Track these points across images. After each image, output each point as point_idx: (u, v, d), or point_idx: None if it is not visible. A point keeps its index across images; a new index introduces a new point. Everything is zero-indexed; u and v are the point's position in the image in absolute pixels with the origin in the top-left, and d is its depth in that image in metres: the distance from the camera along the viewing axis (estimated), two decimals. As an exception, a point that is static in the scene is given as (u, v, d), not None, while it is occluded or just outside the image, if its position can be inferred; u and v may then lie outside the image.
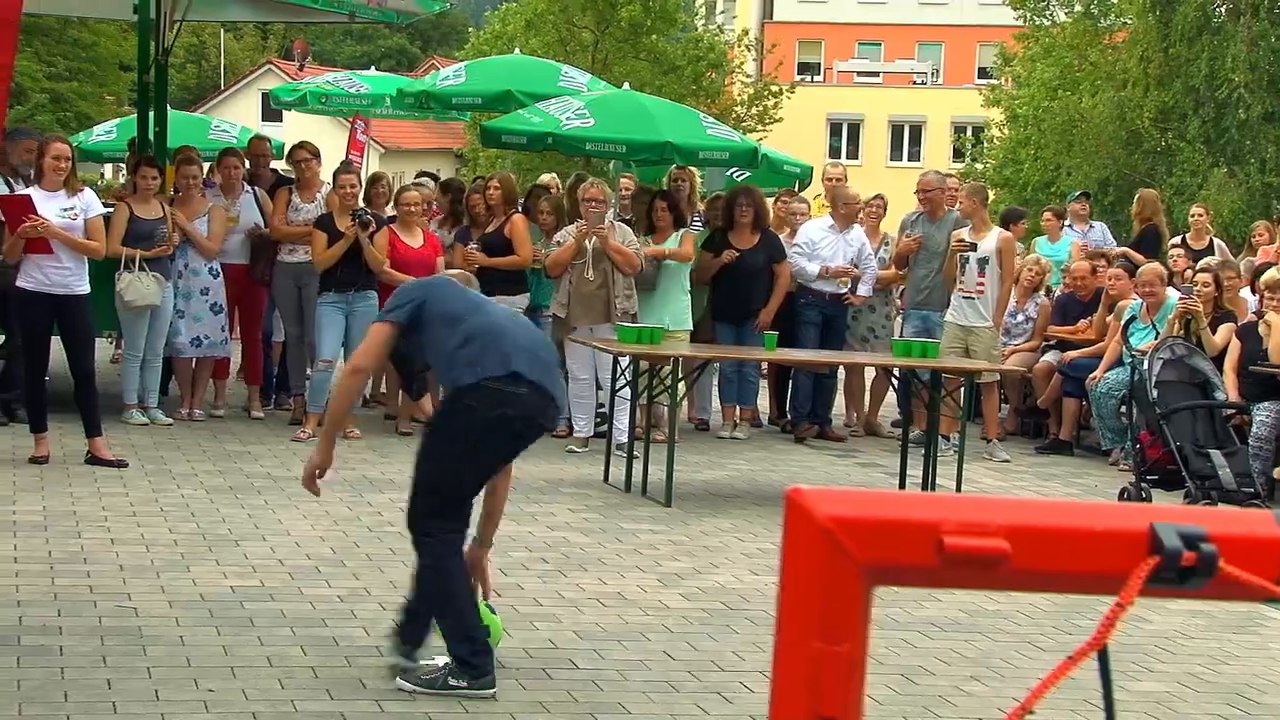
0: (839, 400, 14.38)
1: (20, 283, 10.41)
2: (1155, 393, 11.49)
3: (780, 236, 13.72)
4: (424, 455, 6.27)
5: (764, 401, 14.46)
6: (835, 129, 57.87)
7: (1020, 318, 14.23)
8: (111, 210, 11.83)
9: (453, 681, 6.11)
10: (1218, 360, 12.14)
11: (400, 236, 12.38)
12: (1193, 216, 16.60)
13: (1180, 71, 31.94)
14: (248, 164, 13.57)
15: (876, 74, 60.16)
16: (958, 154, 50.44)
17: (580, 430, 12.41)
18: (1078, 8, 38.99)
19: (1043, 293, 14.42)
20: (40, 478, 9.99)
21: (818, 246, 13.47)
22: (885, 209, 14.58)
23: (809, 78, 58.49)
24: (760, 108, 43.37)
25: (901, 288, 14.10)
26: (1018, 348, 14.06)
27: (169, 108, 15.93)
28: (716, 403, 13.90)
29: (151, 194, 12.21)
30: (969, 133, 50.17)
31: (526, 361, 6.15)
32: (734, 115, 40.96)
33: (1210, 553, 1.44)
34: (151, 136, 14.76)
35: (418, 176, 16.29)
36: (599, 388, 12.42)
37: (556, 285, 12.34)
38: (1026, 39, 41.72)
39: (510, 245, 12.62)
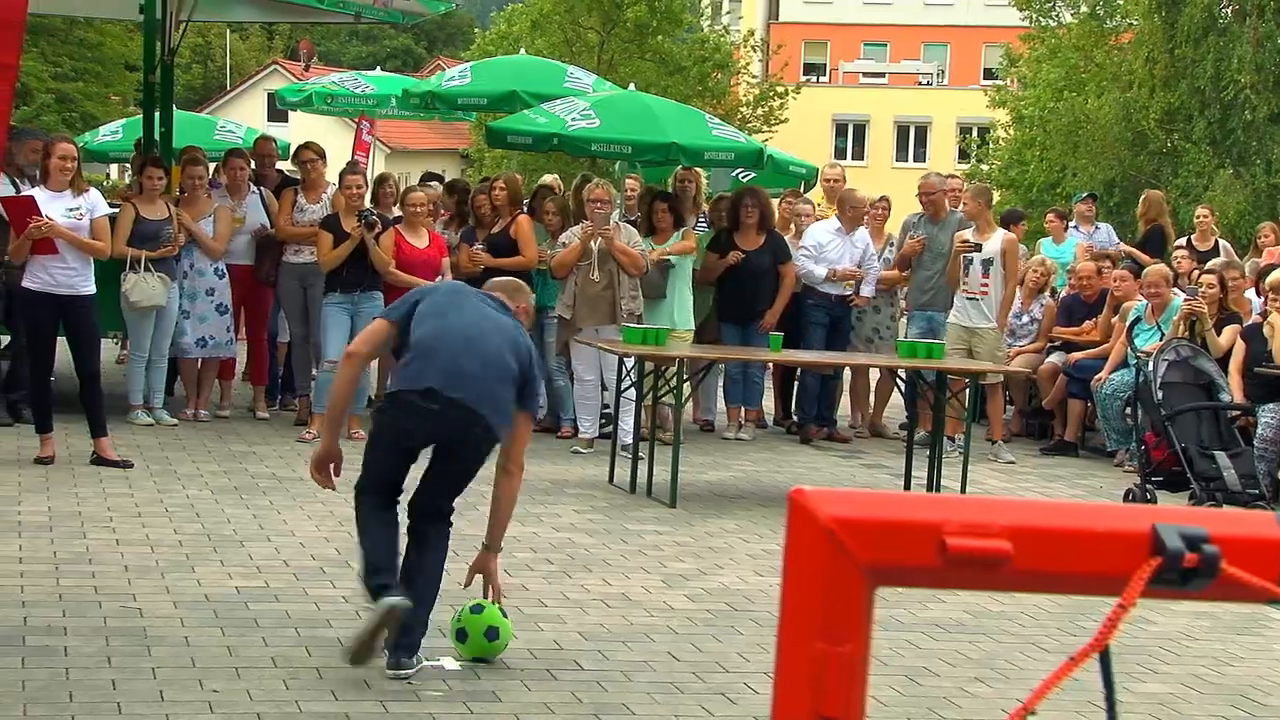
0: (844, 401, 14.38)
1: (26, 283, 10.43)
2: (1160, 394, 11.49)
3: (785, 237, 13.72)
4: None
5: (769, 402, 14.45)
6: (841, 130, 57.87)
7: (1025, 319, 14.22)
8: (117, 211, 11.83)
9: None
10: (1223, 362, 12.13)
11: (406, 237, 12.39)
12: (1198, 218, 16.58)
13: (1186, 73, 31.89)
14: (253, 164, 13.58)
15: (882, 75, 60.15)
16: (963, 155, 50.39)
17: (585, 431, 12.42)
18: (1083, 9, 38.93)
19: (1048, 294, 14.41)
20: (45, 478, 10.00)
21: (824, 249, 13.47)
22: (889, 211, 14.58)
23: (814, 78, 58.46)
24: (766, 108, 43.35)
25: (905, 289, 14.09)
26: (1023, 349, 14.06)
27: (175, 108, 15.94)
28: (721, 404, 13.90)
29: (157, 194, 12.22)
30: (974, 134, 50.15)
31: (446, 379, 6.35)
32: (739, 116, 40.93)
33: (1212, 554, 1.44)
34: (157, 137, 14.77)
35: (423, 177, 16.30)
36: (604, 389, 12.43)
37: (562, 286, 12.35)
38: (1032, 40, 41.67)
39: (515, 246, 12.63)
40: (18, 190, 11.15)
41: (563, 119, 13.72)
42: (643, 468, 10.78)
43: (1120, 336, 12.98)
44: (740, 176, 16.19)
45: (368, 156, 21.51)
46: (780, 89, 43.84)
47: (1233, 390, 11.93)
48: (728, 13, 56.67)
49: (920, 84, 60.15)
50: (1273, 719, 6.73)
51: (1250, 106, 30.69)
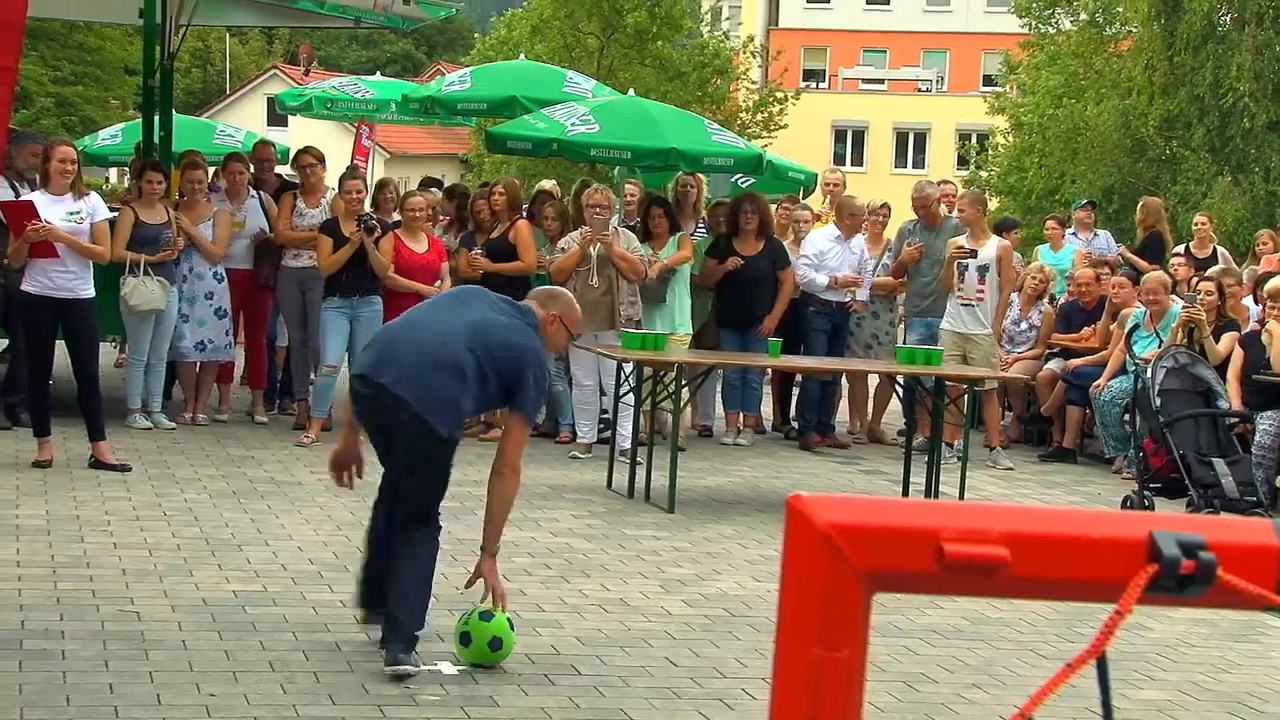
0: (843, 407, 14.39)
1: (25, 287, 10.43)
2: (1158, 401, 11.49)
3: (784, 244, 13.73)
4: None
5: (767, 408, 14.46)
6: (840, 136, 57.91)
7: (1024, 325, 14.22)
8: (116, 215, 11.84)
9: None
10: (1221, 369, 12.14)
11: (405, 242, 12.39)
12: (1196, 225, 16.59)
13: (1185, 80, 31.91)
14: (252, 169, 13.59)
15: (881, 81, 60.21)
16: (962, 161, 50.45)
17: (584, 436, 12.42)
18: (1083, 16, 38.99)
19: (1046, 301, 14.41)
20: (43, 482, 10.00)
21: (826, 257, 13.47)
22: (889, 217, 14.57)
23: (814, 84, 58.54)
24: (765, 114, 43.40)
25: (903, 296, 14.09)
26: (1021, 355, 14.06)
27: (174, 112, 15.94)
28: (720, 409, 13.90)
29: (156, 198, 12.22)
30: (974, 140, 50.20)
31: (377, 365, 6.54)
32: (739, 122, 40.98)
33: (1209, 561, 1.44)
34: (157, 141, 14.77)
35: (423, 182, 16.31)
36: (603, 394, 12.43)
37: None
38: (1031, 47, 41.71)
39: (515, 251, 12.64)
40: (17, 194, 11.15)
41: (562, 124, 13.73)
42: (641, 473, 10.78)
43: (1119, 343, 12.98)
44: (739, 182, 16.20)
45: (367, 161, 21.52)
46: (780, 95, 43.89)
47: (1231, 397, 11.93)
48: (727, 18, 56.69)
49: (919, 90, 60.20)
50: (1270, 726, 6.74)
51: (1249, 114, 30.71)
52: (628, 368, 11.09)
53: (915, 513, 1.45)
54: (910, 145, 58.42)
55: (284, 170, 15.27)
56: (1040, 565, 1.44)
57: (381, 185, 13.84)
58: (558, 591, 8.06)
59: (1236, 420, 11.88)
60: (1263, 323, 12.44)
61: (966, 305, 12.91)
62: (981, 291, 12.89)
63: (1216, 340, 12.38)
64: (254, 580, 7.85)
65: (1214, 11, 31.54)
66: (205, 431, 12.36)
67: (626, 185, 14.01)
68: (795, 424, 14.13)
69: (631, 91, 16.98)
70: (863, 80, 60.06)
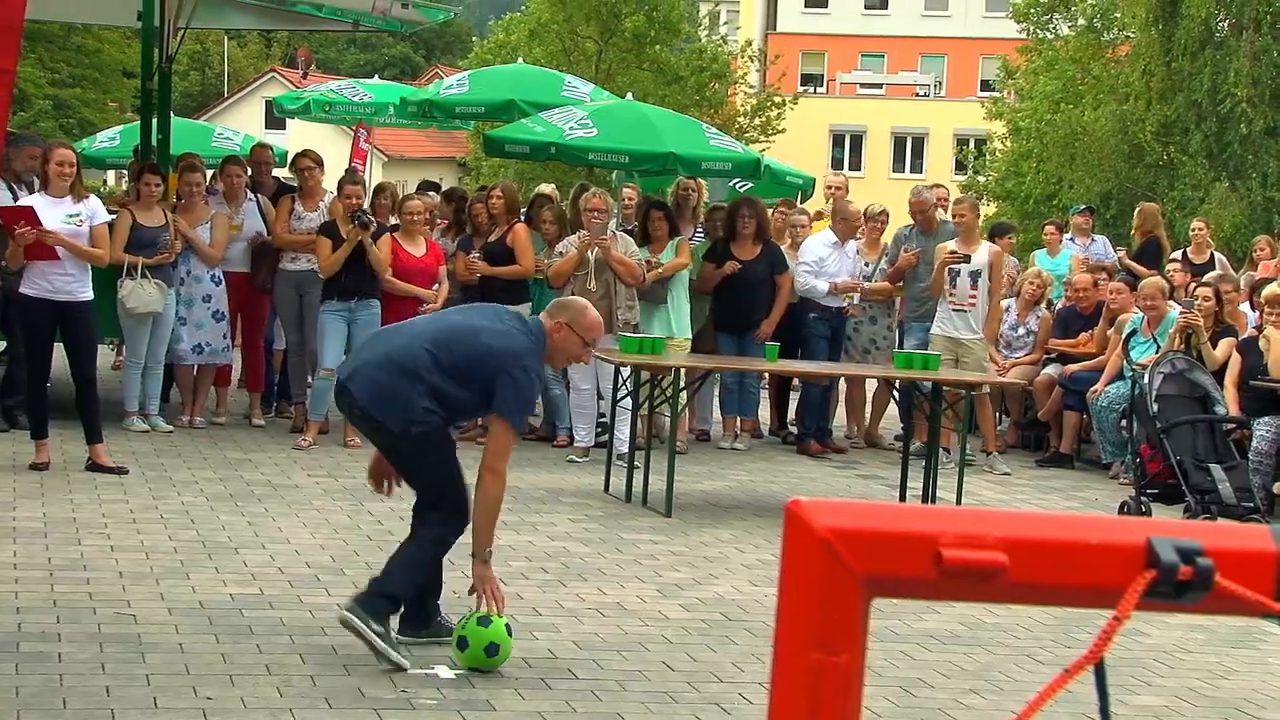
0: (840, 412, 14.39)
1: (23, 289, 10.42)
2: (1156, 407, 11.49)
3: (782, 248, 13.73)
4: None
5: (765, 412, 14.46)
6: (838, 140, 57.92)
7: (1021, 331, 14.23)
8: (115, 217, 11.83)
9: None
10: (1218, 375, 12.14)
11: (403, 245, 12.38)
12: (1193, 231, 16.61)
13: (1183, 86, 31.92)
14: (249, 172, 13.58)
15: (879, 86, 60.22)
16: (960, 166, 50.46)
17: (581, 440, 12.42)
18: (1081, 21, 39.01)
19: (1044, 306, 14.42)
20: (40, 484, 10.00)
21: (825, 263, 13.47)
22: (887, 223, 14.57)
23: (812, 89, 58.57)
24: (763, 118, 43.42)
25: (898, 300, 14.10)
26: (1019, 361, 14.06)
27: (172, 115, 15.94)
28: (717, 413, 13.91)
29: (154, 201, 12.22)
30: (971, 145, 50.21)
31: (345, 369, 7.03)
32: (737, 126, 40.99)
33: (1207, 567, 1.44)
34: (155, 143, 14.77)
35: (420, 186, 16.31)
36: (600, 398, 12.43)
37: (559, 296, 12.34)
38: (1029, 52, 41.74)
39: (512, 255, 12.63)
40: (15, 196, 11.15)
41: (560, 128, 13.73)
42: (638, 477, 10.78)
43: (1116, 349, 12.99)
44: (737, 186, 16.21)
45: (365, 164, 21.50)
46: (778, 99, 43.90)
47: (1228, 403, 11.93)
48: (725, 23, 56.71)
49: (917, 95, 60.23)
50: (1266, 732, 6.74)
51: (1246, 120, 30.72)
52: (625, 372, 11.09)
53: (914, 518, 1.45)
54: (908, 150, 58.45)
55: (281, 173, 15.27)
56: (1038, 571, 1.44)
57: (379, 189, 13.84)
58: (554, 595, 8.06)
59: (1234, 426, 11.88)
60: (1260, 328, 12.45)
61: (959, 311, 12.92)
62: (974, 297, 12.91)
63: (1214, 346, 12.39)
64: (251, 583, 7.85)
65: (1212, 17, 31.55)
66: (202, 434, 12.36)
67: (624, 189, 14.01)
68: (793, 429, 14.12)
69: (629, 95, 16.98)
70: (861, 85, 60.09)
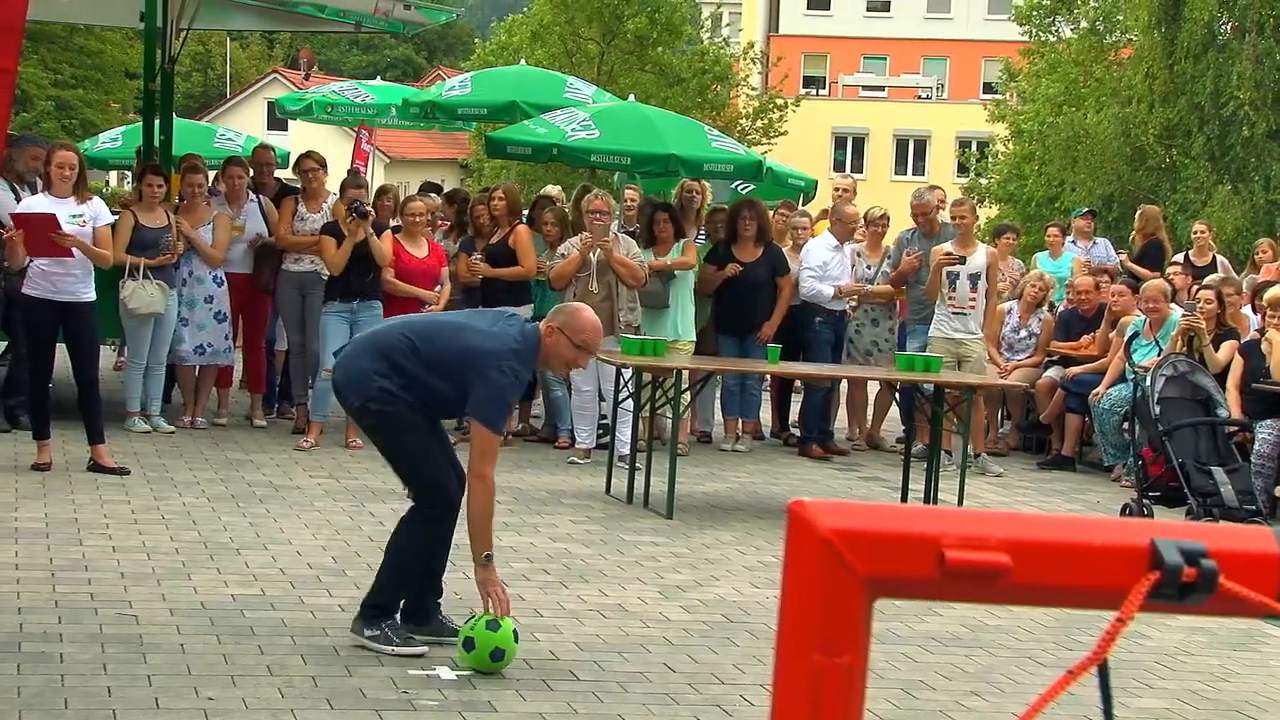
0: (841, 414, 14.39)
1: (26, 289, 10.43)
2: (1158, 409, 11.49)
3: (783, 250, 13.73)
4: None
5: (766, 414, 14.46)
6: (840, 142, 57.93)
7: (1023, 333, 14.23)
8: (117, 218, 11.83)
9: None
10: (1220, 377, 12.14)
11: (405, 246, 12.38)
12: (1195, 233, 16.61)
13: (1185, 88, 31.89)
14: (251, 173, 13.58)
15: (881, 88, 60.24)
16: (962, 169, 50.44)
17: (583, 442, 12.42)
18: (1083, 24, 38.98)
19: (1045, 308, 14.42)
20: (42, 485, 10.00)
21: (829, 267, 13.47)
22: (888, 226, 14.55)
23: (814, 91, 58.57)
24: (765, 121, 43.40)
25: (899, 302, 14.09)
26: (1021, 363, 14.06)
27: (174, 116, 15.94)
28: (719, 415, 13.91)
29: (156, 202, 12.22)
30: (973, 148, 50.20)
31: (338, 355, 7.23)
32: (739, 128, 40.97)
33: (1210, 568, 1.44)
34: (157, 144, 14.78)
35: (422, 187, 16.31)
36: (602, 399, 12.43)
37: (561, 298, 12.34)
38: (1032, 54, 41.71)
39: (514, 256, 12.63)
40: (18, 197, 11.16)
41: (562, 129, 13.73)
42: (640, 478, 10.78)
43: (1118, 351, 12.99)
44: (739, 188, 16.21)
45: (367, 166, 21.52)
46: (780, 101, 43.89)
47: (1230, 406, 11.93)
48: (728, 25, 56.71)
49: (920, 98, 60.23)
50: (1268, 735, 6.74)
51: (1249, 123, 30.69)
52: (627, 373, 11.09)
53: (916, 519, 1.45)
54: (910, 152, 58.45)
55: (283, 174, 15.27)
56: (1041, 572, 1.44)
57: (382, 191, 13.84)
58: (556, 597, 8.05)
59: (1236, 429, 11.88)
60: (1262, 331, 12.45)
61: (959, 313, 12.92)
62: (973, 299, 12.91)
63: (1216, 349, 12.38)
64: (252, 584, 7.84)
65: (1214, 20, 31.52)
66: (204, 435, 12.36)
67: (626, 191, 14.01)
68: (795, 432, 14.12)
69: (632, 97, 16.97)
70: (863, 87, 60.09)
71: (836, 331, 13.59)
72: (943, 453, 11.83)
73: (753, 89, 46.98)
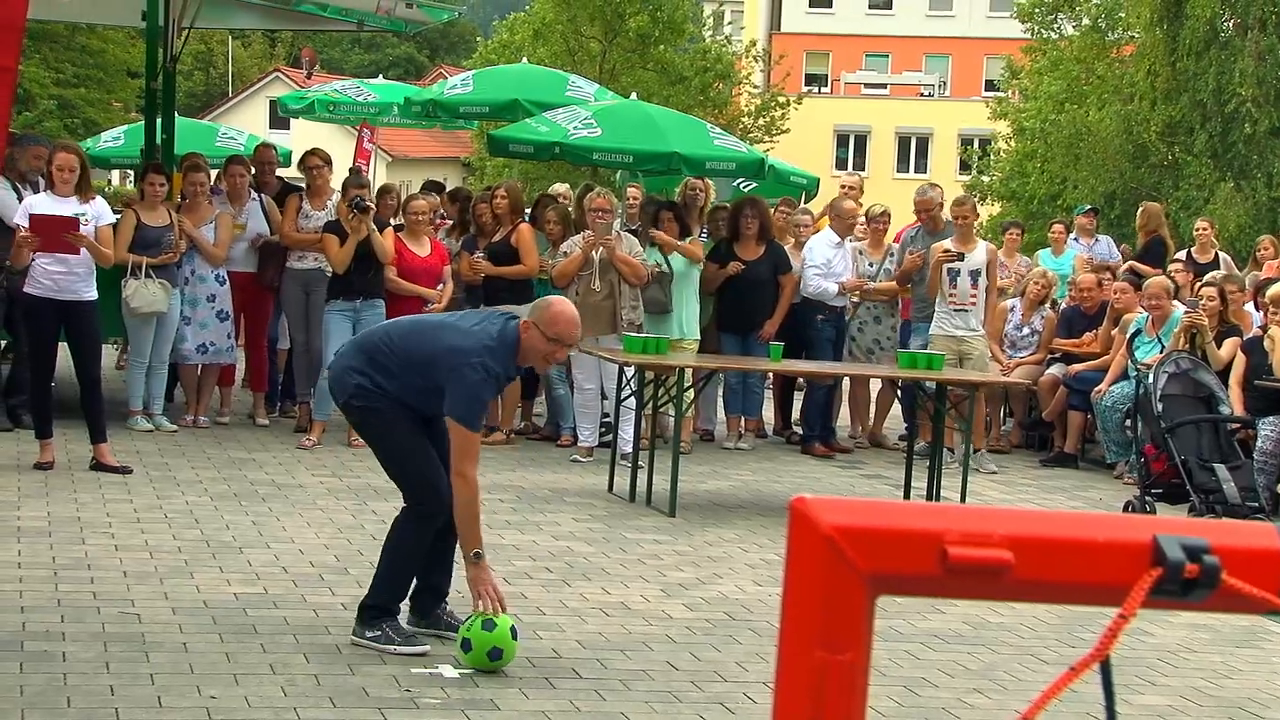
0: (844, 412, 14.38)
1: (28, 288, 10.43)
2: (1160, 406, 11.49)
3: (785, 248, 13.73)
4: None
5: (769, 412, 14.45)
6: (842, 140, 57.92)
7: (1026, 331, 14.22)
8: (119, 217, 11.83)
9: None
10: (1223, 374, 12.14)
11: (407, 245, 12.37)
12: (1198, 230, 16.60)
13: (1187, 86, 31.88)
14: (253, 171, 13.58)
15: (884, 86, 60.22)
16: (964, 166, 50.42)
17: (585, 440, 12.42)
18: (1085, 21, 38.97)
19: (1048, 305, 14.41)
20: (45, 483, 10.00)
21: (832, 264, 13.46)
22: (889, 223, 14.54)
23: (816, 89, 58.56)
24: (767, 118, 43.38)
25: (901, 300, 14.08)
26: (1023, 360, 14.05)
27: (176, 114, 15.95)
28: (721, 413, 13.90)
29: (159, 201, 12.22)
30: (975, 145, 50.18)
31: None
32: (741, 126, 40.95)
33: (1213, 565, 1.44)
34: (159, 143, 14.78)
35: (425, 185, 16.31)
36: (604, 397, 12.43)
37: (563, 296, 12.33)
38: (1034, 52, 41.70)
39: (517, 254, 12.63)
40: (20, 196, 11.16)
41: (564, 128, 13.73)
42: (642, 477, 10.78)
43: (1120, 348, 12.98)
44: (741, 186, 16.20)
45: (369, 164, 21.51)
46: (782, 99, 43.87)
47: (1233, 403, 11.93)
48: (730, 23, 56.73)
49: (922, 95, 60.21)
50: (1271, 732, 6.73)
51: (1251, 120, 30.67)
52: (629, 371, 11.09)
53: (919, 515, 1.44)
54: (912, 150, 58.44)
55: (285, 173, 15.27)
56: (1044, 568, 1.44)
57: (384, 191, 13.84)
58: (559, 595, 8.05)
59: (1238, 426, 11.88)
60: (1265, 328, 12.44)
61: (960, 310, 12.91)
62: (974, 296, 12.91)
63: (1219, 346, 12.38)
64: (255, 583, 7.85)
65: (1217, 17, 31.51)
66: (206, 434, 12.36)
67: (629, 189, 14.01)
68: (798, 430, 14.11)
69: (634, 95, 16.98)
70: (865, 85, 60.08)
71: (837, 328, 13.59)
72: (945, 450, 11.82)
73: (755, 87, 46.95)
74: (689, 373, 10.98)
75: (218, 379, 12.96)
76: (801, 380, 14.04)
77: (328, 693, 6.18)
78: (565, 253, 12.29)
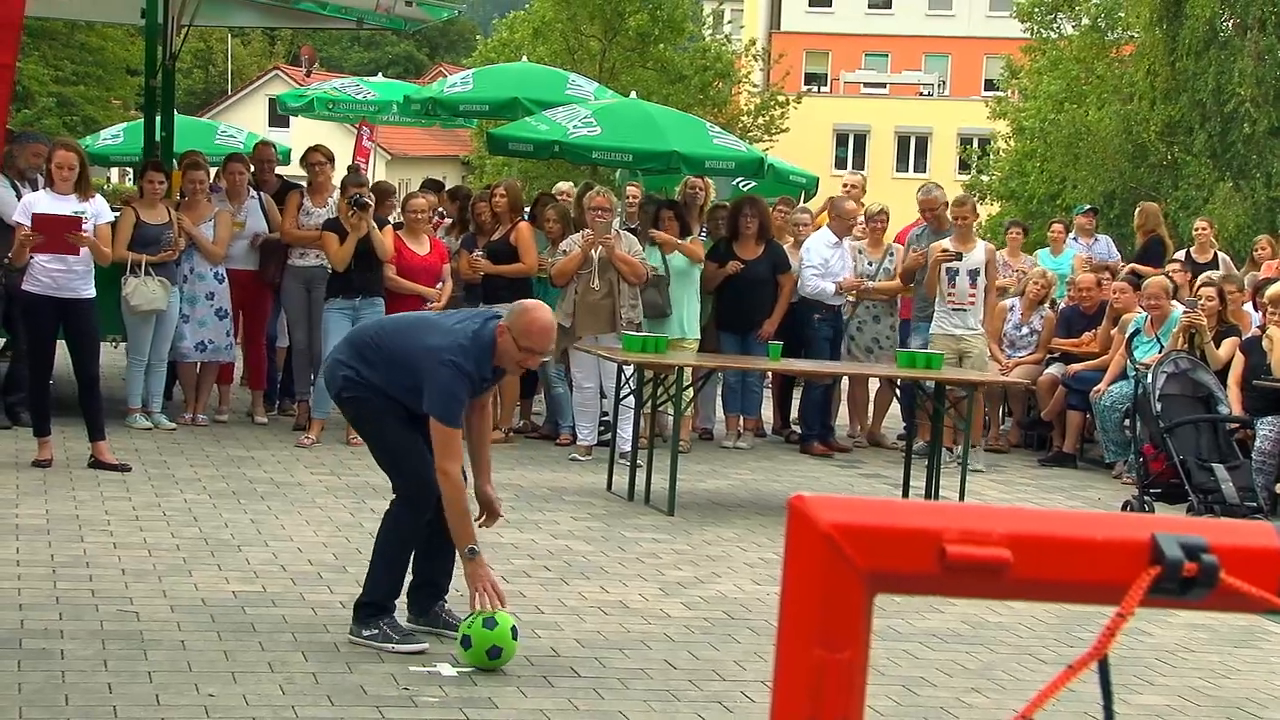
0: (842, 411, 14.38)
1: (26, 286, 10.43)
2: (1159, 406, 11.49)
3: (784, 247, 13.72)
4: None
5: (768, 411, 14.45)
6: (841, 139, 57.92)
7: (1025, 330, 14.22)
8: (119, 215, 11.83)
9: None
10: (1221, 374, 12.14)
11: (407, 243, 12.37)
12: (1197, 230, 16.60)
13: (1187, 85, 31.87)
14: (252, 169, 13.57)
15: (883, 85, 60.21)
16: (963, 166, 50.41)
17: (584, 439, 12.42)
18: (1085, 21, 38.96)
19: (1047, 305, 14.41)
20: (43, 481, 10.00)
21: (830, 264, 13.46)
22: (888, 222, 14.52)
23: (816, 88, 58.55)
24: (767, 117, 43.38)
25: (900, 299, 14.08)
26: (1022, 360, 14.05)
27: (175, 112, 15.94)
28: (720, 412, 13.90)
29: (158, 199, 12.22)
30: (975, 144, 50.17)
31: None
32: (740, 125, 40.95)
33: (1211, 563, 1.44)
34: (158, 141, 14.77)
35: (424, 184, 16.31)
36: (603, 396, 12.43)
37: (562, 294, 12.34)
38: (1033, 51, 41.70)
39: (516, 253, 12.62)
40: (19, 193, 11.16)
41: (564, 126, 13.73)
42: (641, 475, 10.78)
43: (1119, 348, 12.98)
44: (740, 185, 16.20)
45: (368, 162, 21.51)
46: (781, 98, 43.87)
47: (1231, 403, 11.93)
48: (729, 22, 56.71)
49: (921, 94, 60.20)
50: (1269, 732, 6.73)
51: (1250, 120, 30.67)
52: (628, 370, 11.09)
53: (917, 514, 1.44)
54: (912, 149, 58.43)
55: (285, 171, 15.27)
56: (1042, 567, 1.44)
57: (384, 193, 13.81)
58: (557, 593, 8.05)
59: (1237, 426, 11.88)
60: (1263, 328, 12.44)
61: (958, 309, 12.92)
62: (973, 295, 12.92)
63: (1217, 346, 12.38)
64: (253, 581, 7.84)
65: (1216, 17, 31.50)
66: (205, 432, 12.36)
67: (628, 188, 14.01)
68: (796, 429, 14.11)
69: (633, 94, 16.98)
70: (864, 84, 60.07)
71: (834, 328, 13.58)
72: (944, 449, 11.82)
73: (754, 86, 46.96)
74: (688, 371, 10.97)
75: (216, 377, 12.96)
76: (800, 379, 14.04)
77: (326, 691, 6.18)
78: (564, 251, 12.28)
